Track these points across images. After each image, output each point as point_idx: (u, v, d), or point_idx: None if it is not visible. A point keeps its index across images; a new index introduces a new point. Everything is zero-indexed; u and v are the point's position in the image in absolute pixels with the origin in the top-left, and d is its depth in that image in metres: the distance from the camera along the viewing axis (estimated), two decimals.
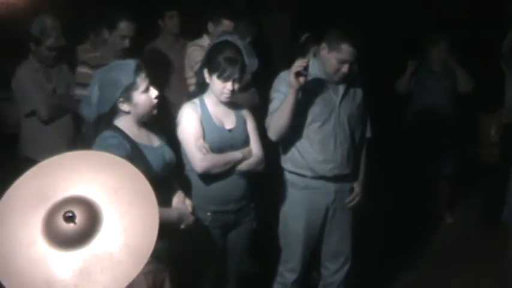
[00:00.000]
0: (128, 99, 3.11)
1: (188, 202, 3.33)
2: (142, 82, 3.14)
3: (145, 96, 3.16)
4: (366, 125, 4.29)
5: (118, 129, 3.13)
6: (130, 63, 3.15)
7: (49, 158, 1.70)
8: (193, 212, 3.36)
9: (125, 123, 3.17)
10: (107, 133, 3.10)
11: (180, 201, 3.40)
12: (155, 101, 3.21)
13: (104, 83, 3.10)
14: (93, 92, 3.10)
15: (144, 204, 1.60)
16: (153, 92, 3.20)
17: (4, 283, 1.49)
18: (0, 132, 5.65)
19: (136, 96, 3.12)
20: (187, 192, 3.62)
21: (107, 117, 3.15)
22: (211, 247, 3.79)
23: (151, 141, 3.29)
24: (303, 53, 4.76)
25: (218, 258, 3.88)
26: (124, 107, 3.12)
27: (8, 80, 4.81)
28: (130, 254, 1.52)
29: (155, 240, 1.54)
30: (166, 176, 3.28)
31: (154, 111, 3.26)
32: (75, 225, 1.51)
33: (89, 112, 3.15)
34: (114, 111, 3.15)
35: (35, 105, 4.67)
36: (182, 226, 3.34)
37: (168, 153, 3.32)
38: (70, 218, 1.51)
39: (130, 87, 3.09)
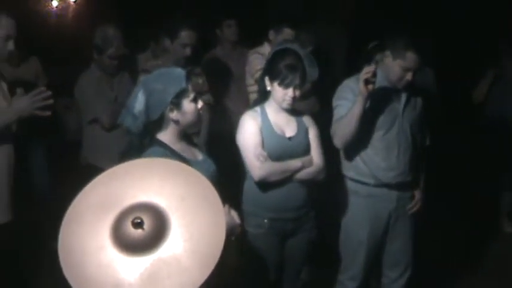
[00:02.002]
0: (178, 106, 3.02)
1: (234, 213, 3.13)
2: (192, 90, 3.08)
3: (194, 105, 3.08)
4: (426, 133, 4.28)
5: (163, 144, 3.05)
6: (180, 70, 3.10)
7: (117, 165, 1.72)
8: (240, 223, 3.19)
9: (168, 137, 3.09)
10: (154, 150, 3.02)
11: (226, 213, 3.35)
12: (201, 111, 3.15)
13: (153, 90, 2.99)
14: (137, 102, 2.99)
15: (211, 211, 1.61)
16: (200, 103, 3.12)
17: (74, 287, 1.52)
18: (61, 139, 5.78)
19: (185, 103, 3.04)
20: (239, 202, 3.67)
21: (152, 128, 3.07)
22: (268, 255, 3.80)
23: (195, 155, 3.22)
24: (368, 61, 4.75)
25: (275, 266, 3.87)
26: (173, 115, 3.03)
27: (69, 88, 4.91)
28: (197, 261, 1.53)
29: (222, 248, 1.55)
30: None
31: (199, 123, 3.24)
32: (143, 231, 1.53)
33: (133, 123, 3.02)
34: (161, 121, 3.06)
35: (97, 112, 4.75)
36: (232, 238, 3.27)
37: (211, 167, 3.23)
38: (138, 224, 1.52)
39: (182, 94, 3.02)
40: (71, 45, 7.21)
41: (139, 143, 3.08)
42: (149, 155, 2.94)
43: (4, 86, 3.89)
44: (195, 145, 3.32)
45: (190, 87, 3.06)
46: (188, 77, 3.07)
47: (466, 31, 7.56)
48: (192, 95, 3.06)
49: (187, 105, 3.05)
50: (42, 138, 5.57)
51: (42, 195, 5.55)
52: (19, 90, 3.72)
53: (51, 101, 3.62)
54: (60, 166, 5.73)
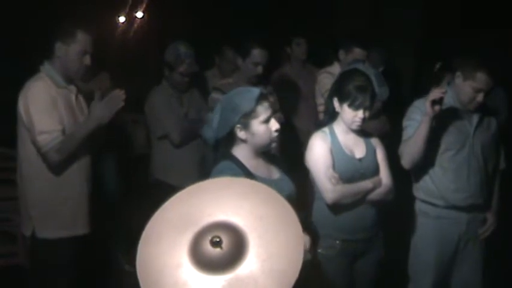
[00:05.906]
0: (246, 126, 3.04)
1: (307, 238, 3.06)
2: (263, 111, 3.05)
3: (265, 127, 3.06)
4: (500, 155, 4.21)
5: (235, 159, 3.07)
6: (254, 91, 3.09)
7: (195, 184, 1.73)
8: (310, 250, 3.14)
9: (242, 152, 3.11)
10: (224, 164, 3.05)
11: None
12: (275, 134, 3.11)
13: (226, 107, 3.05)
14: (215, 116, 3.08)
15: (290, 231, 1.60)
16: (274, 125, 3.09)
17: None
18: (128, 153, 5.85)
19: (255, 125, 3.04)
20: (313, 221, 3.61)
21: (225, 143, 3.12)
22: (339, 276, 3.76)
23: (270, 173, 3.20)
24: (436, 82, 4.71)
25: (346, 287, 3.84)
26: (241, 134, 3.06)
27: (136, 103, 4.98)
28: (275, 281, 1.52)
29: (300, 268, 1.55)
30: None
31: (273, 145, 3.17)
32: (221, 250, 1.53)
33: (209, 135, 3.12)
34: (232, 138, 3.10)
35: (167, 128, 4.80)
36: None
37: (287, 186, 3.18)
38: (217, 243, 1.52)
39: (250, 115, 3.02)
40: (137, 61, 7.33)
41: (214, 154, 3.15)
42: (218, 169, 3.01)
43: (81, 98, 3.99)
44: (274, 163, 3.29)
45: (260, 108, 3.04)
46: (260, 98, 3.05)
47: None
48: (263, 116, 3.05)
49: (257, 126, 3.05)
50: (112, 151, 5.64)
51: (112, 207, 5.63)
52: (97, 94, 3.82)
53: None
54: (127, 180, 5.79)
